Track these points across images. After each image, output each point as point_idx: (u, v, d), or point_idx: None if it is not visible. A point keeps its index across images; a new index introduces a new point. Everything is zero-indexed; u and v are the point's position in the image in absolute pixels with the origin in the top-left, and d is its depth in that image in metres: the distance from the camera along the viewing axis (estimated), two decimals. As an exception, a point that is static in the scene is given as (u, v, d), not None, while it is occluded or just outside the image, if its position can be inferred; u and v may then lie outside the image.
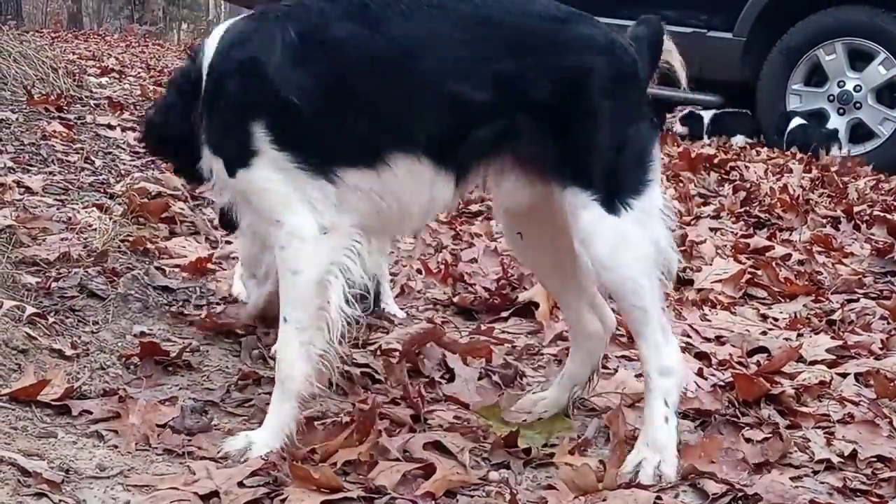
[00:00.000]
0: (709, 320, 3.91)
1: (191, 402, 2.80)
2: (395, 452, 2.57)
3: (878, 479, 2.70)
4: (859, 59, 8.75)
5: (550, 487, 2.51)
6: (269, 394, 2.94)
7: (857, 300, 4.35)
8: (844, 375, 3.36)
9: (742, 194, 6.27)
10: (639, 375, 3.07)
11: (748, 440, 2.81)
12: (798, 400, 3.14)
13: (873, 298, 4.39)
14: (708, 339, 3.66)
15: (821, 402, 3.17)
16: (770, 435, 2.83)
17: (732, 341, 3.68)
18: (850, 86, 8.73)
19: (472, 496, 2.48)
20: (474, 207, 5.65)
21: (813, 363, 3.46)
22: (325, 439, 2.61)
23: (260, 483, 2.42)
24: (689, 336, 3.63)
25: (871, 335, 3.81)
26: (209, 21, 36.41)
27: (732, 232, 5.50)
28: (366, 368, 3.16)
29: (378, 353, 3.32)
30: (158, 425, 2.67)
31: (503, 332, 3.70)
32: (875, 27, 8.62)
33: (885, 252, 5.06)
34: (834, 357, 3.53)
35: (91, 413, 2.72)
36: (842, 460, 2.78)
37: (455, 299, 4.00)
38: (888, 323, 4.02)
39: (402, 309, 3.87)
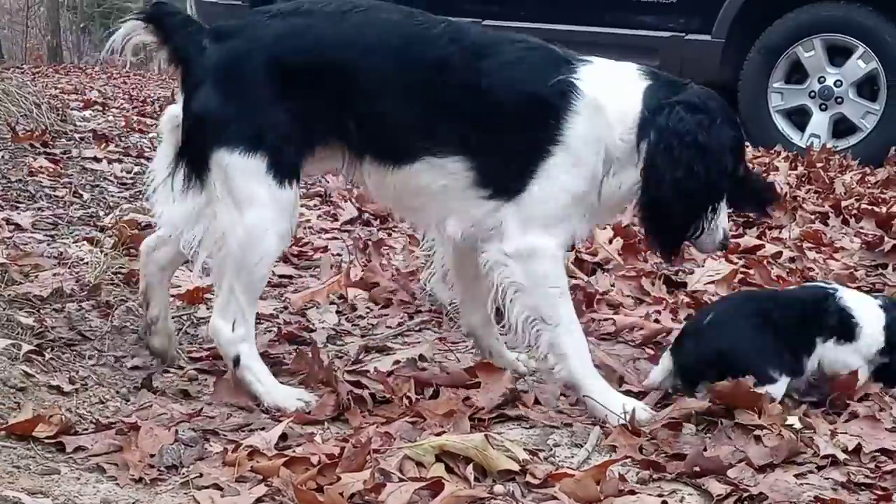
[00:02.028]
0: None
1: (190, 433, 2.79)
2: (397, 473, 2.57)
3: (882, 471, 2.71)
4: (838, 55, 8.77)
5: (553, 498, 2.51)
6: (270, 419, 2.97)
7: (850, 294, 4.35)
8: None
9: (728, 195, 6.26)
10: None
11: (757, 439, 2.82)
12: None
13: (866, 291, 4.39)
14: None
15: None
16: (776, 434, 2.83)
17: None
18: (830, 81, 8.75)
19: (479, 511, 2.49)
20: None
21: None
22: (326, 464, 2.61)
23: (265, 508, 2.42)
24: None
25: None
26: (189, 49, 36.38)
27: (722, 233, 5.49)
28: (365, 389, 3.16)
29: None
30: (160, 456, 2.66)
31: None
32: (852, 22, 8.65)
33: (875, 245, 5.08)
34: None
35: (92, 447, 2.71)
36: (846, 456, 2.79)
37: (451, 314, 3.99)
38: (882, 315, 4.02)
39: (402, 323, 3.91)
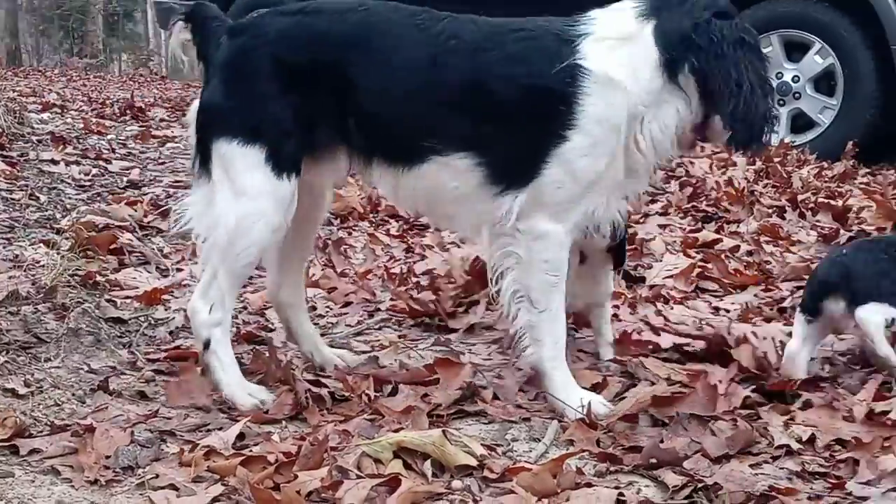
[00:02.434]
0: (663, 316, 3.93)
1: (147, 434, 2.78)
2: (355, 470, 2.57)
3: (836, 461, 2.73)
4: (795, 51, 8.85)
5: (511, 492, 2.52)
6: (228, 419, 2.96)
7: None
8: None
9: (689, 190, 6.32)
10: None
11: (713, 430, 2.84)
12: (759, 389, 3.17)
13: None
14: (660, 332, 3.68)
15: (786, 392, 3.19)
16: (732, 426, 2.85)
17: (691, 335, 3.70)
18: (788, 77, 8.82)
19: (436, 506, 2.49)
20: (425, 219, 5.66)
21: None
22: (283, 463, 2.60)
23: (222, 509, 2.41)
24: (641, 332, 3.65)
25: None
26: (149, 51, 36.26)
27: (681, 227, 5.54)
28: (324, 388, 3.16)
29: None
30: (116, 457, 2.64)
31: (461, 343, 3.72)
32: (809, 18, 8.73)
33: (831, 237, 5.14)
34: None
35: (47, 450, 2.69)
36: (801, 445, 2.81)
37: (410, 311, 4.00)
38: (838, 307, 4.06)
39: (361, 321, 3.91)
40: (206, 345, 3.10)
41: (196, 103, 3.19)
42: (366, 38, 3.03)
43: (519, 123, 2.98)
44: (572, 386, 3.10)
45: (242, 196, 3.03)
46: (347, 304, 4.17)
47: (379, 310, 4.10)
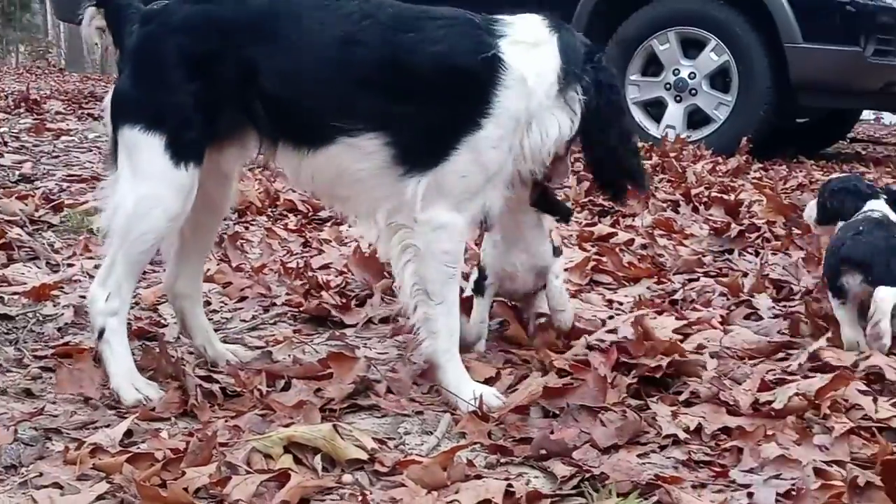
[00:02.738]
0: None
1: (31, 432, 2.72)
2: (244, 466, 2.55)
3: (721, 449, 2.79)
4: (692, 48, 9.02)
5: (401, 485, 2.52)
6: (116, 415, 2.91)
7: (697, 279, 4.49)
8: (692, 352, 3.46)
9: (586, 184, 6.39)
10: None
11: (602, 423, 2.87)
12: (648, 380, 3.22)
13: (713, 276, 4.54)
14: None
15: (670, 380, 3.25)
16: (622, 416, 2.89)
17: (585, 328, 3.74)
18: (684, 73, 8.98)
19: (324, 501, 2.48)
20: (324, 213, 5.65)
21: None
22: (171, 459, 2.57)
23: (107, 507, 2.38)
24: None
25: (710, 311, 3.94)
26: (48, 42, 35.48)
27: (577, 221, 5.60)
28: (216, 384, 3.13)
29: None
30: (-2, 456, 2.59)
31: (356, 337, 3.71)
32: (705, 15, 8.90)
33: (723, 231, 5.25)
34: (681, 336, 3.61)
35: (-75, 450, 2.62)
36: (687, 435, 2.86)
37: (306, 306, 3.98)
38: (727, 299, 4.16)
39: (256, 316, 3.87)
40: (101, 334, 3.06)
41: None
42: (272, 22, 3.04)
43: (435, 103, 3.01)
44: (465, 379, 3.12)
45: (142, 182, 3.02)
46: (243, 299, 4.14)
47: (275, 304, 4.07)
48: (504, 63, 3.00)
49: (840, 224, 3.80)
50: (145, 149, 3.01)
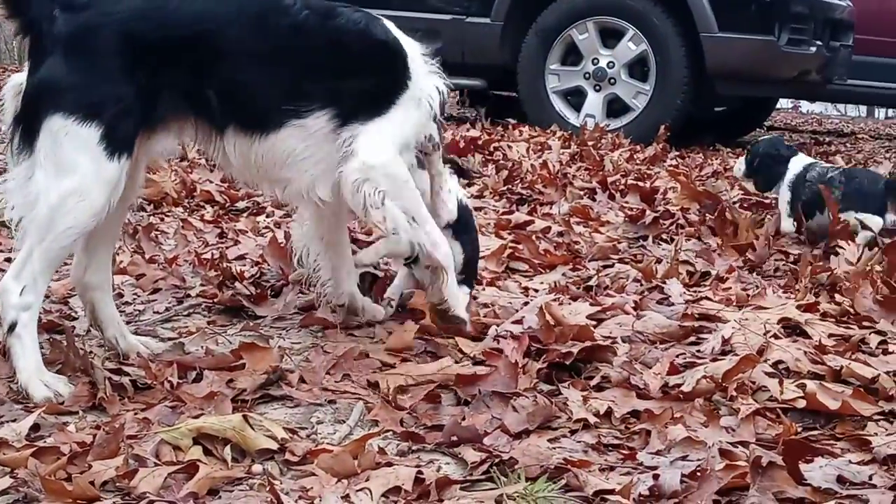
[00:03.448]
0: (475, 297, 3.99)
1: (-66, 426, 2.68)
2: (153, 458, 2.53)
3: (631, 432, 2.83)
4: (611, 37, 9.11)
5: (312, 474, 2.52)
6: (23, 409, 2.86)
7: (612, 265, 4.53)
8: (605, 338, 3.49)
9: (505, 173, 6.43)
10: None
11: (514, 409, 2.89)
12: (562, 366, 3.24)
13: (627, 263, 4.59)
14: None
15: (582, 365, 3.28)
16: (533, 402, 2.91)
17: (499, 315, 3.77)
18: (603, 63, 9.07)
19: (233, 491, 2.47)
20: (241, 204, 5.61)
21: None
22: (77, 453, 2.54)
23: (10, 501, 2.33)
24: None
25: (624, 296, 3.98)
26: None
27: (495, 210, 5.62)
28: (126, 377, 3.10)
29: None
30: None
31: (270, 327, 3.69)
32: (623, 5, 9.00)
33: (638, 218, 5.30)
34: (594, 322, 3.65)
35: None
36: (597, 419, 2.89)
37: (221, 297, 3.94)
38: (641, 284, 4.21)
39: (170, 308, 3.85)
40: (12, 328, 3.00)
41: (15, 77, 3.11)
42: (224, 13, 3.13)
43: (372, 74, 3.28)
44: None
45: (67, 175, 2.96)
46: (156, 290, 4.08)
47: (189, 296, 4.02)
48: (402, 43, 3.36)
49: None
50: (76, 140, 2.95)
